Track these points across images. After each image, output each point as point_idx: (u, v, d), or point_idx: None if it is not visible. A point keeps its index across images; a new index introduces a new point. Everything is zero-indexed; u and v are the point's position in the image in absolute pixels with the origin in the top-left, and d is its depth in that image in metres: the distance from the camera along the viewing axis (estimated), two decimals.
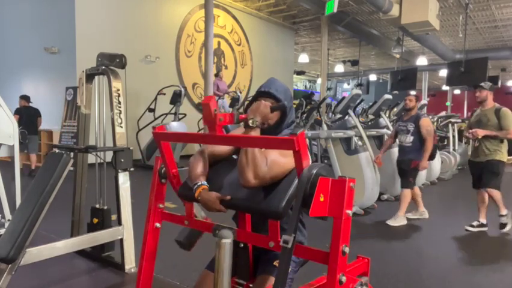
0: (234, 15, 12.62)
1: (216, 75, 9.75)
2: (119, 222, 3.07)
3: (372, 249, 3.90)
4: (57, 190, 2.52)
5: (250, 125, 1.45)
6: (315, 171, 1.26)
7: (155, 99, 8.69)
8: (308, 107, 10.40)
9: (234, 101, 10.11)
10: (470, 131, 4.35)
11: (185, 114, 8.93)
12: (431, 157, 4.89)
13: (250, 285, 1.66)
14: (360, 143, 5.43)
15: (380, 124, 6.88)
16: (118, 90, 3.11)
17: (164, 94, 8.79)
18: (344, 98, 6.08)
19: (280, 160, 1.45)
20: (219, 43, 12.00)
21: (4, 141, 3.51)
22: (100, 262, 3.28)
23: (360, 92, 6.09)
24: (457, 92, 23.59)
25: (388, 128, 6.63)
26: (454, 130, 8.98)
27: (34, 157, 7.81)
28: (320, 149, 6.32)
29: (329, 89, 20.80)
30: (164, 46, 10.41)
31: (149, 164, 8.14)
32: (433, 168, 7.38)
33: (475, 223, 4.54)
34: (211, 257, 1.78)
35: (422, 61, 15.39)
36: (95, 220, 3.31)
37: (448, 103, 21.29)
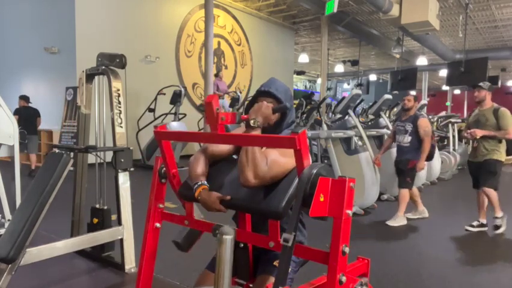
0: (234, 15, 12.62)
1: (216, 75, 9.75)
2: (119, 222, 3.07)
3: (372, 249, 3.90)
4: (57, 190, 2.52)
5: (252, 125, 1.46)
6: (315, 171, 1.26)
7: (155, 99, 8.69)
8: (308, 107, 10.41)
9: (234, 101, 10.12)
10: (469, 131, 4.35)
11: (185, 114, 8.93)
12: (429, 157, 4.89)
13: (250, 285, 1.66)
14: (360, 143, 5.43)
15: (380, 124, 6.88)
16: (118, 90, 3.11)
17: (164, 94, 8.79)
18: (344, 98, 6.08)
19: (280, 160, 1.45)
20: (219, 43, 12.00)
21: (4, 141, 3.51)
22: (100, 262, 3.28)
23: (360, 92, 6.09)
24: (457, 92, 23.60)
25: (388, 128, 6.62)
26: (453, 130, 8.98)
27: (34, 157, 7.81)
28: (320, 149, 6.32)
29: (329, 89, 20.80)
30: (164, 46, 10.41)
31: (149, 164, 8.14)
32: (433, 168, 7.38)
33: (475, 223, 4.54)
34: (211, 257, 1.78)
35: (422, 61, 15.39)
36: (95, 220, 3.31)
37: (448, 103, 21.29)
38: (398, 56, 14.38)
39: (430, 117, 10.13)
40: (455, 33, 13.12)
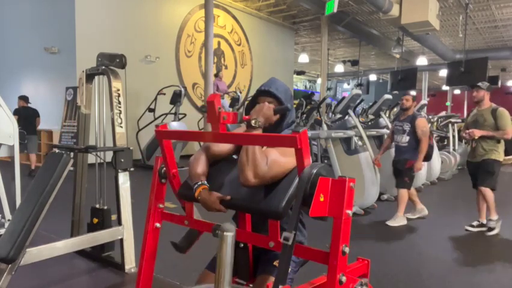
0: (234, 15, 12.62)
1: (216, 75, 9.76)
2: (119, 222, 3.07)
3: (372, 249, 3.90)
4: (57, 190, 2.52)
5: (253, 125, 1.46)
6: (315, 171, 1.26)
7: (155, 99, 8.69)
8: (308, 107, 10.41)
9: (234, 101, 10.13)
10: (467, 131, 4.35)
11: (185, 114, 8.94)
12: (428, 158, 4.89)
13: (250, 285, 1.66)
14: (360, 143, 5.43)
15: (380, 124, 6.89)
16: (118, 90, 3.11)
17: (164, 94, 8.79)
18: (344, 98, 6.08)
19: (280, 160, 1.45)
20: (219, 43, 12.01)
21: (4, 141, 3.51)
22: (100, 262, 3.28)
23: (360, 92, 6.09)
24: (457, 92, 23.61)
25: (388, 128, 6.63)
26: (454, 130, 8.98)
27: (34, 157, 7.82)
28: (320, 149, 6.32)
29: (329, 89, 20.80)
30: (164, 46, 10.42)
31: (149, 164, 8.14)
32: (433, 168, 7.38)
33: (475, 223, 4.54)
34: (211, 257, 1.78)
35: (422, 61, 15.40)
36: (95, 220, 3.31)
37: (448, 103, 21.30)
38: (398, 56, 14.38)
39: (430, 117, 10.13)
40: (455, 33, 13.12)
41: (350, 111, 5.70)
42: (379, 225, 4.75)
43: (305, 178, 1.25)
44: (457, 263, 3.70)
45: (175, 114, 8.62)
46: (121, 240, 3.06)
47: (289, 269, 1.36)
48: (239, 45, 12.97)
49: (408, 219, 4.88)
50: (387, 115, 7.59)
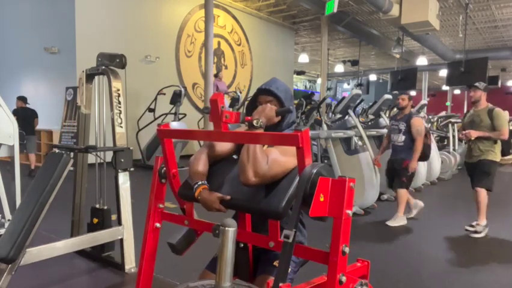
0: (234, 15, 12.62)
1: (216, 75, 9.77)
2: (119, 222, 3.07)
3: (372, 249, 3.90)
4: (57, 190, 2.52)
5: (255, 125, 1.47)
6: (315, 171, 1.26)
7: (155, 99, 8.70)
8: (308, 107, 10.42)
9: (234, 101, 10.13)
10: (463, 132, 4.35)
11: (185, 114, 8.94)
12: (425, 157, 4.88)
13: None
14: (360, 143, 5.43)
15: (380, 124, 6.88)
16: (118, 90, 3.11)
17: (164, 94, 8.79)
18: (344, 98, 6.08)
19: (280, 159, 1.46)
20: (219, 43, 12.01)
21: (4, 141, 3.51)
22: (100, 262, 3.28)
23: (360, 92, 6.09)
24: (457, 92, 23.61)
25: (388, 128, 6.63)
26: (453, 130, 8.99)
27: (33, 157, 7.82)
28: (320, 149, 6.32)
29: (329, 89, 20.81)
30: (164, 46, 10.42)
31: (149, 164, 8.14)
32: (433, 168, 7.38)
33: (475, 223, 4.53)
34: (211, 257, 1.78)
35: (422, 61, 15.40)
36: (95, 220, 3.31)
37: (448, 103, 21.30)
38: (398, 56, 14.38)
39: (430, 117, 10.14)
40: (455, 33, 13.12)
41: (350, 111, 5.70)
42: (379, 225, 4.75)
43: (305, 178, 1.25)
44: (457, 263, 3.70)
45: (175, 114, 8.62)
46: (121, 240, 3.06)
47: (289, 269, 1.36)
48: (239, 45, 12.97)
49: (408, 219, 4.87)
50: (387, 115, 7.59)
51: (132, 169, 3.14)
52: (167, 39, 10.53)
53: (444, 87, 20.87)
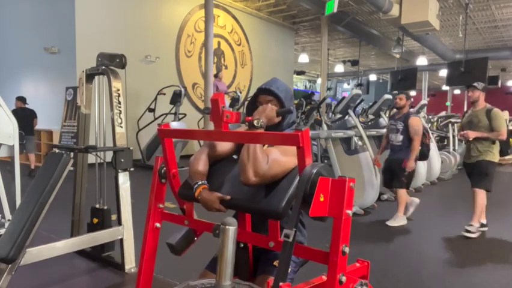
0: (234, 15, 12.62)
1: (216, 76, 9.77)
2: (119, 222, 3.07)
3: (372, 250, 3.90)
4: (57, 190, 2.52)
5: (256, 125, 1.48)
6: (315, 171, 1.26)
7: (155, 99, 8.70)
8: (308, 107, 10.41)
9: (234, 101, 10.13)
10: (461, 133, 4.34)
11: (185, 114, 8.94)
12: (423, 157, 4.87)
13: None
14: (360, 143, 5.43)
15: (380, 124, 6.88)
16: (118, 90, 3.11)
17: (164, 94, 8.79)
18: (344, 98, 6.08)
19: (281, 159, 1.46)
20: (219, 43, 12.01)
21: (4, 141, 3.51)
22: (100, 262, 3.28)
23: (360, 92, 6.09)
24: (457, 92, 23.61)
25: None
26: (453, 130, 8.99)
27: (33, 157, 7.83)
28: (320, 149, 6.32)
29: (329, 89, 20.81)
30: (164, 46, 10.42)
31: (149, 164, 8.14)
32: (433, 168, 7.38)
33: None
34: (211, 257, 1.78)
35: (422, 61, 15.40)
36: (95, 220, 3.31)
37: (448, 103, 21.30)
38: (398, 56, 14.38)
39: (430, 117, 10.14)
40: (455, 33, 13.12)
41: (350, 111, 5.70)
42: (379, 225, 4.75)
43: (305, 177, 1.25)
44: (457, 263, 3.70)
45: (175, 114, 8.62)
46: (121, 240, 3.06)
47: (290, 269, 1.36)
48: (239, 45, 12.97)
49: (408, 219, 4.87)
50: (387, 115, 7.60)
51: (132, 169, 3.14)
52: (167, 39, 10.53)
53: (444, 87, 20.86)
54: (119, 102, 3.11)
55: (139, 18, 9.70)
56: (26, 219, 2.35)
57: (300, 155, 1.29)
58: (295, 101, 10.83)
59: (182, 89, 8.63)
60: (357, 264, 1.40)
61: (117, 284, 3.02)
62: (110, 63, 3.12)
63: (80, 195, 3.49)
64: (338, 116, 6.98)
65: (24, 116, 7.60)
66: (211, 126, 6.79)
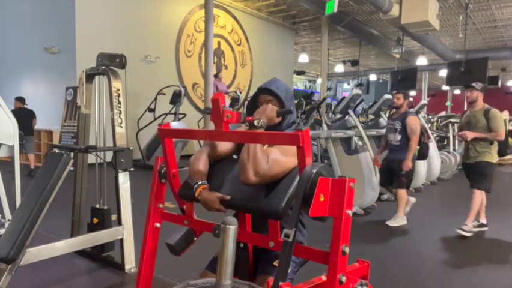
0: (234, 15, 12.62)
1: (216, 76, 9.77)
2: (119, 222, 3.07)
3: (372, 249, 3.90)
4: (57, 190, 2.52)
5: (256, 124, 1.48)
6: (315, 171, 1.27)
7: (155, 99, 8.70)
8: (308, 107, 10.41)
9: (234, 101, 10.13)
10: (460, 133, 4.33)
11: (185, 114, 8.94)
12: (423, 156, 4.86)
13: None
14: (360, 143, 5.43)
15: (380, 124, 6.88)
16: (118, 90, 3.11)
17: (164, 94, 8.79)
18: (344, 98, 6.08)
19: (281, 159, 1.46)
20: (219, 43, 12.01)
21: (4, 141, 3.51)
22: (100, 262, 3.28)
23: (360, 92, 6.09)
24: (457, 92, 23.61)
25: None
26: (453, 130, 8.99)
27: (32, 156, 7.83)
28: (320, 149, 6.32)
29: (329, 89, 20.81)
30: (164, 46, 10.42)
31: (149, 164, 8.14)
32: (433, 168, 7.38)
33: (475, 223, 4.53)
34: (211, 257, 1.78)
35: (422, 61, 15.40)
36: (95, 220, 3.31)
37: (448, 103, 21.30)
38: (398, 56, 14.38)
39: (430, 117, 10.14)
40: (455, 33, 13.13)
41: (350, 111, 5.70)
42: (379, 225, 4.74)
43: (305, 177, 1.25)
44: (457, 263, 3.70)
45: (175, 114, 8.62)
46: (121, 240, 3.06)
47: (290, 269, 1.36)
48: (239, 45, 12.97)
49: (408, 219, 4.87)
50: (387, 115, 7.60)
51: (132, 169, 3.14)
52: (167, 39, 10.53)
53: (444, 87, 20.88)
54: (119, 102, 3.11)
55: (139, 18, 9.70)
56: (26, 219, 2.35)
57: (300, 155, 1.29)
58: (296, 101, 10.83)
59: (182, 89, 8.63)
60: (357, 265, 1.40)
61: (117, 284, 3.02)
62: (110, 63, 3.12)
63: (80, 195, 3.49)
64: (338, 116, 6.98)
65: (23, 116, 7.59)
66: (211, 126, 6.79)
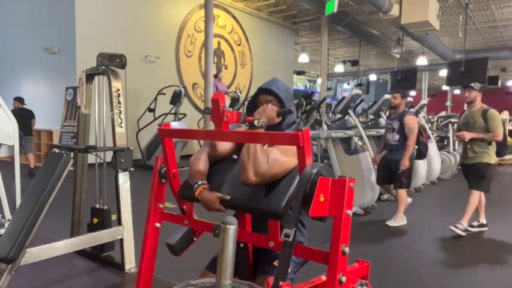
0: (234, 15, 12.62)
1: (215, 76, 9.77)
2: (119, 222, 3.07)
3: (372, 250, 3.90)
4: (57, 190, 2.52)
5: (256, 124, 1.48)
6: (315, 171, 1.27)
7: (155, 99, 8.70)
8: (308, 107, 10.41)
9: (234, 101, 10.14)
10: (457, 133, 4.33)
11: (185, 114, 8.94)
12: (421, 156, 4.86)
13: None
14: (360, 143, 5.43)
15: (380, 124, 6.88)
16: (118, 90, 3.11)
17: (164, 94, 8.80)
18: (344, 98, 6.08)
19: (281, 159, 1.46)
20: (219, 43, 12.01)
21: (4, 141, 3.51)
22: (100, 262, 3.28)
23: (360, 92, 6.09)
24: (457, 92, 23.61)
25: None
26: (453, 130, 8.98)
27: (31, 156, 7.83)
28: (320, 149, 6.32)
29: (329, 89, 20.81)
30: (164, 46, 10.42)
31: (149, 164, 8.14)
32: (433, 168, 7.38)
33: (475, 223, 4.53)
34: (211, 257, 1.78)
35: (422, 61, 15.40)
36: (95, 220, 3.31)
37: (448, 103, 21.30)
38: (398, 56, 14.38)
39: (430, 117, 10.14)
40: (455, 33, 13.12)
41: (350, 111, 5.71)
42: (379, 225, 4.75)
43: (305, 177, 1.25)
44: (457, 263, 3.70)
45: (175, 114, 8.63)
46: (121, 240, 3.06)
47: (290, 269, 1.36)
48: (239, 45, 12.97)
49: (408, 219, 4.87)
50: (386, 115, 7.61)
51: (132, 169, 3.14)
52: (167, 39, 10.53)
53: (444, 87, 20.88)
54: (119, 102, 3.11)
55: (139, 18, 9.70)
56: (26, 219, 2.35)
57: (300, 154, 1.29)
58: (296, 101, 10.82)
59: (182, 89, 8.63)
60: (357, 265, 1.41)
61: (117, 284, 3.02)
62: (110, 63, 3.12)
63: (80, 195, 3.49)
64: (338, 116, 6.99)
65: (22, 117, 7.59)
66: (211, 126, 6.79)
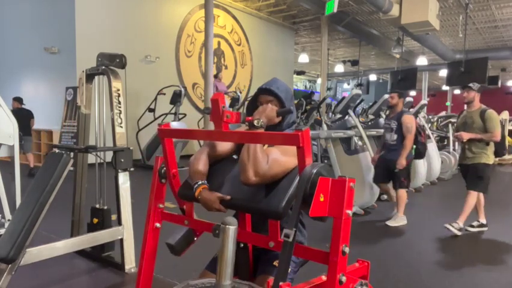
0: (234, 15, 12.62)
1: (215, 76, 9.77)
2: (119, 222, 3.07)
3: (372, 250, 3.90)
4: (57, 190, 2.52)
5: (256, 124, 1.48)
6: (315, 171, 1.27)
7: (155, 99, 8.70)
8: (308, 107, 10.42)
9: (234, 101, 10.14)
10: (455, 134, 4.33)
11: (185, 114, 8.94)
12: (420, 156, 4.85)
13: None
14: (360, 143, 5.43)
15: (380, 124, 6.88)
16: (118, 90, 3.11)
17: (164, 94, 8.80)
18: (344, 98, 6.08)
19: (281, 159, 1.46)
20: (219, 43, 12.01)
21: (4, 141, 3.51)
22: (100, 262, 3.28)
23: (360, 92, 6.09)
24: (457, 92, 23.60)
25: None
26: (453, 130, 8.98)
27: (31, 156, 7.83)
28: (320, 149, 6.32)
29: (329, 89, 20.82)
30: (164, 46, 10.42)
31: (149, 164, 8.14)
32: (433, 168, 7.38)
33: (475, 223, 4.54)
34: (211, 257, 1.78)
35: (422, 61, 15.40)
36: (95, 220, 3.31)
37: (448, 103, 21.30)
38: (398, 56, 14.38)
39: (430, 117, 10.14)
40: (455, 33, 13.12)
41: (350, 111, 5.71)
42: (379, 225, 4.75)
43: (305, 177, 1.25)
44: (457, 263, 3.70)
45: (175, 114, 8.63)
46: (121, 240, 3.06)
47: (290, 269, 1.36)
48: (239, 45, 12.97)
49: (408, 219, 4.87)
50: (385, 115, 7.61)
51: (132, 169, 3.14)
52: (167, 39, 10.53)
53: (444, 87, 20.87)
54: (119, 102, 3.11)
55: (139, 18, 9.70)
56: (26, 219, 2.35)
57: (300, 155, 1.29)
58: (296, 101, 10.82)
59: (182, 89, 8.63)
60: (357, 265, 1.41)
61: (117, 284, 3.02)
62: (110, 63, 3.12)
63: (80, 195, 3.50)
64: (338, 116, 6.98)
65: (22, 117, 7.58)
66: (211, 126, 6.79)
